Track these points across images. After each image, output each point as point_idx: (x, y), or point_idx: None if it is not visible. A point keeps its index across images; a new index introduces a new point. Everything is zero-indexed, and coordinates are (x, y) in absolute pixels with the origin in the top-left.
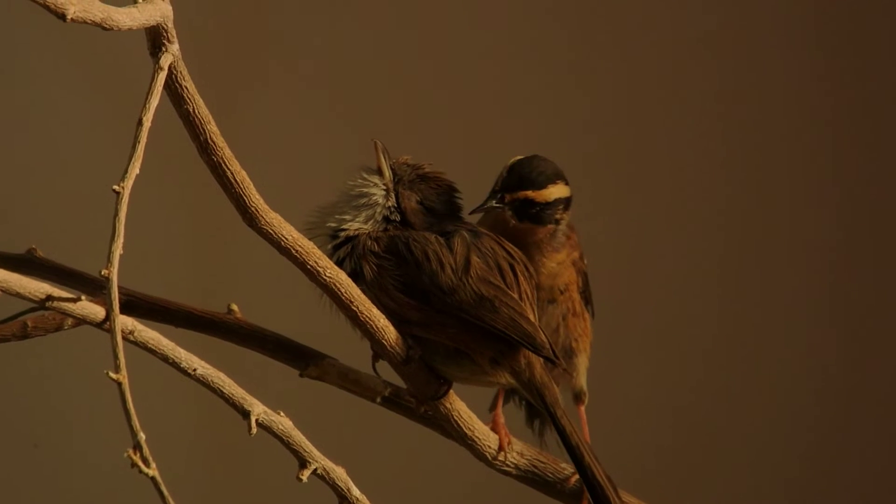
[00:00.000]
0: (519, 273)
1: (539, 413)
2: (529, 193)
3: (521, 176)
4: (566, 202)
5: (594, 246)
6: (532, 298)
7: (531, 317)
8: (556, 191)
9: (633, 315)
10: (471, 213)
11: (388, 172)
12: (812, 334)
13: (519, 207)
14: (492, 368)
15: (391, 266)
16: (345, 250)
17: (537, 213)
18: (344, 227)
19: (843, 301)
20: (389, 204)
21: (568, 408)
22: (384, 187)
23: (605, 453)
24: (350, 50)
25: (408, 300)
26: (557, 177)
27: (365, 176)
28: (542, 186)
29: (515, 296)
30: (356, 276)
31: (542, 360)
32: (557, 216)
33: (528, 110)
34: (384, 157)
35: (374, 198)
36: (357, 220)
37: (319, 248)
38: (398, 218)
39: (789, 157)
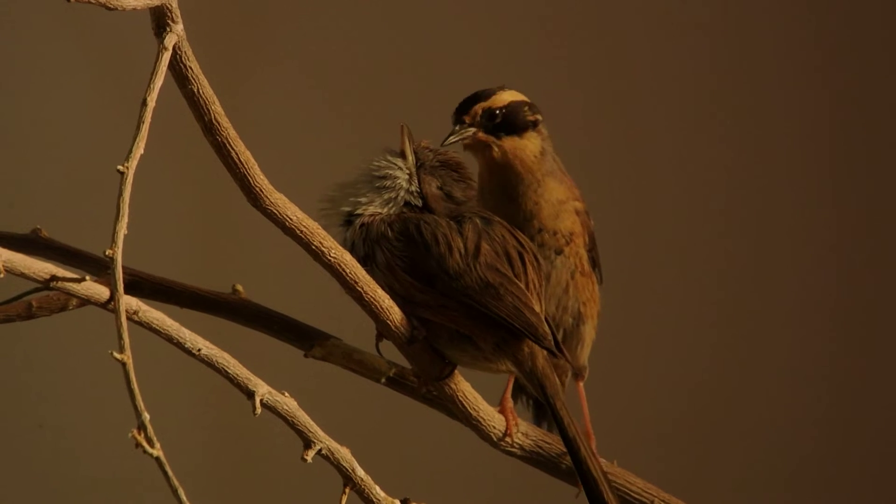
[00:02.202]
0: (528, 262)
1: (547, 415)
2: (483, 104)
3: (466, 99)
4: (528, 104)
5: (600, 232)
6: (539, 288)
7: (536, 307)
8: (508, 95)
9: (640, 299)
10: (442, 146)
11: (411, 156)
12: (818, 320)
13: (485, 123)
14: (494, 355)
15: (400, 247)
16: (359, 234)
17: (505, 120)
18: (359, 211)
19: (851, 279)
20: (413, 189)
21: (567, 385)
22: (407, 171)
23: (610, 433)
24: (355, 32)
25: (413, 282)
26: (501, 87)
27: (389, 158)
28: (491, 94)
29: (522, 285)
30: (368, 259)
31: (543, 350)
32: (529, 117)
33: None
34: (409, 141)
35: (399, 181)
36: (374, 203)
37: (332, 229)
38: (420, 203)
39: (793, 142)
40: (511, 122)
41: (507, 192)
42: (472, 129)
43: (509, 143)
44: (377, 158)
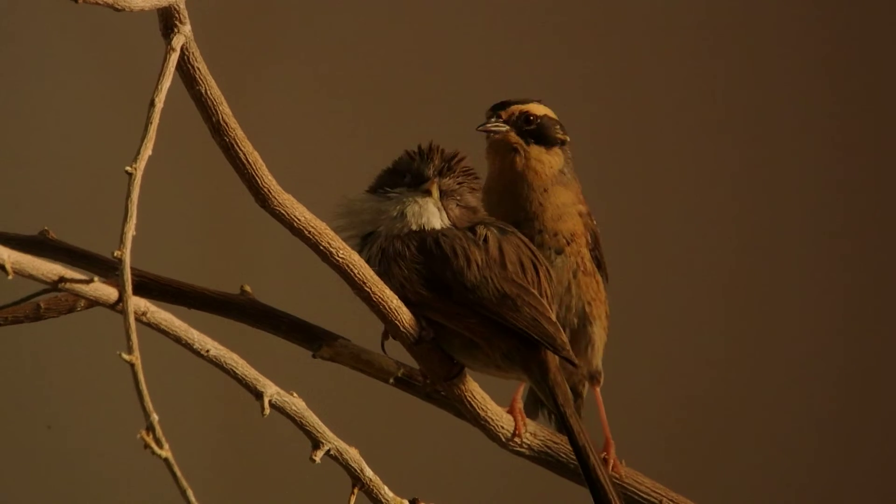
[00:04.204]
0: (541, 273)
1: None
2: (520, 107)
3: (503, 101)
4: (559, 123)
5: (606, 232)
6: (552, 298)
7: (552, 317)
8: (542, 109)
9: (649, 301)
10: (477, 129)
11: (436, 193)
12: (826, 321)
13: (519, 126)
14: (505, 363)
15: (418, 259)
16: (376, 250)
17: (539, 129)
18: (380, 228)
19: (857, 275)
20: (446, 223)
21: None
22: (438, 210)
23: (619, 433)
24: (363, 32)
25: (428, 294)
26: (538, 100)
27: (420, 203)
28: (528, 102)
29: (536, 293)
30: (383, 274)
31: (556, 359)
32: (559, 135)
33: None
34: (436, 183)
35: (433, 222)
36: (395, 229)
37: (350, 242)
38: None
39: (801, 145)
40: (543, 134)
41: (512, 194)
42: (507, 127)
43: (535, 151)
44: (407, 200)
